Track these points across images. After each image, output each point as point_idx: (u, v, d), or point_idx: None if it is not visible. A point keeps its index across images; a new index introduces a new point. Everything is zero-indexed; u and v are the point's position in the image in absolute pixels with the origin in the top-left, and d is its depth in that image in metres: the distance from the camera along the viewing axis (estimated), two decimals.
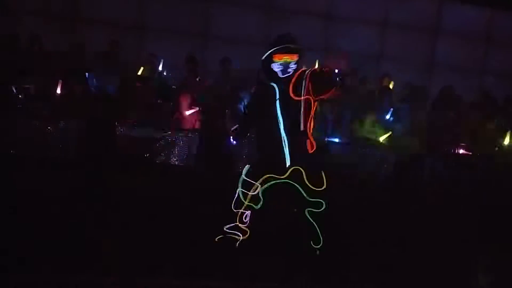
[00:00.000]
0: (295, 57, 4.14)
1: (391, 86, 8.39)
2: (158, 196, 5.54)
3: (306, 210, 4.27)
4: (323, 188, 4.21)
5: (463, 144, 7.64)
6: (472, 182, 6.81)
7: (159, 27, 9.42)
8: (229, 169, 6.51)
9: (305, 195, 4.22)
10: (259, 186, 4.29)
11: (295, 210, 4.40)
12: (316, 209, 4.24)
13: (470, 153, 7.50)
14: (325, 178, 4.22)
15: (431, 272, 4.49)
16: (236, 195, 4.36)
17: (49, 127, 6.46)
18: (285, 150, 4.18)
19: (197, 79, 7.65)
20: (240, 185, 4.35)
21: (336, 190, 4.42)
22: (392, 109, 7.67)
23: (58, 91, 6.97)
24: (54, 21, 9.06)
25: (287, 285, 4.00)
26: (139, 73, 7.82)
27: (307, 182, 4.19)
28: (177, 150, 6.62)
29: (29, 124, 6.45)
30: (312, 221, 4.28)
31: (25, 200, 5.00)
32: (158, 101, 7.46)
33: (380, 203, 6.04)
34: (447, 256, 4.89)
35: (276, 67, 4.15)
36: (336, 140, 7.05)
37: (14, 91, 6.89)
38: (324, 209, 4.23)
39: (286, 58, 4.12)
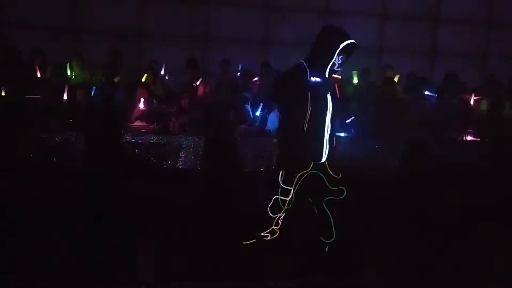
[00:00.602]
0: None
1: (396, 79, 8.35)
2: (169, 201, 5.57)
3: (326, 200, 4.24)
4: (341, 176, 4.21)
5: (470, 130, 7.58)
6: (480, 169, 6.75)
7: (158, 32, 9.44)
8: (236, 169, 6.53)
9: (328, 184, 4.20)
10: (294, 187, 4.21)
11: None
12: (338, 197, 4.23)
13: (478, 139, 7.45)
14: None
15: (442, 264, 4.47)
16: (273, 202, 4.26)
17: (56, 138, 6.49)
18: (325, 145, 4.13)
19: (199, 82, 7.63)
20: (280, 193, 4.22)
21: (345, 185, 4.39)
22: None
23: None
24: (54, 32, 9.09)
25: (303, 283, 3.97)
26: (142, 79, 7.83)
27: (330, 172, 4.18)
28: (183, 154, 6.63)
29: (36, 135, 6.48)
30: (329, 213, 4.26)
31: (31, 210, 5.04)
32: (162, 106, 7.46)
33: (388, 196, 6.00)
34: (455, 247, 4.86)
35: (340, 60, 4.00)
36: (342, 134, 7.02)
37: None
38: (345, 196, 4.23)
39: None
